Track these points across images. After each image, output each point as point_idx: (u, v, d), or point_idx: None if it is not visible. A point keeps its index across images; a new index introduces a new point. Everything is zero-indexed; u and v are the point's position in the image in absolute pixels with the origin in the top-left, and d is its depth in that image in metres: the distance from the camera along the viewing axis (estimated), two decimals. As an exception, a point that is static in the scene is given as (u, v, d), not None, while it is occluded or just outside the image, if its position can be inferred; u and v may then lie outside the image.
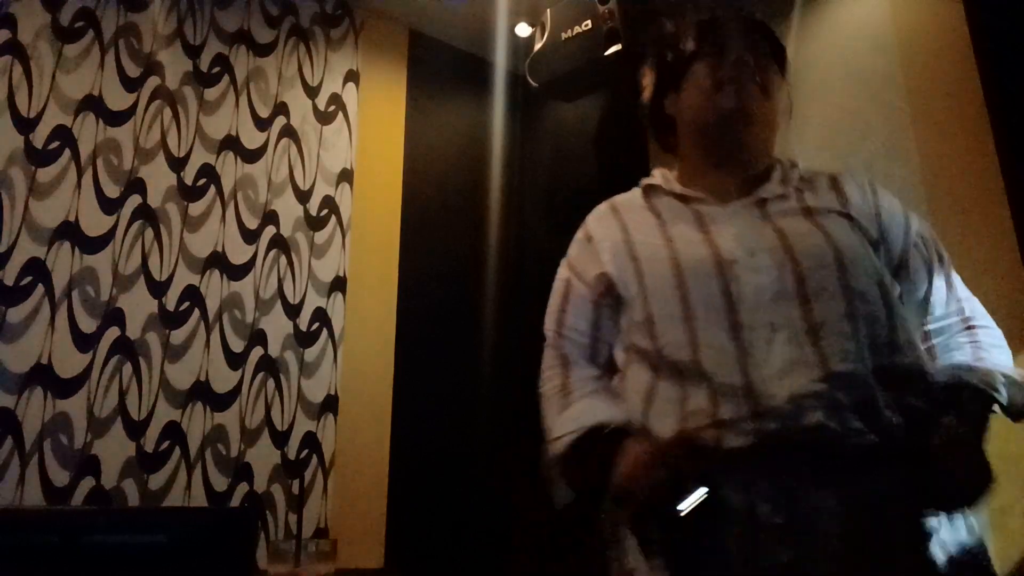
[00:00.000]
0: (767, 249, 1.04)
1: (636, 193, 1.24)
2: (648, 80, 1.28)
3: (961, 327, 1.10)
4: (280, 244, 2.34)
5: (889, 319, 1.01)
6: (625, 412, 1.07)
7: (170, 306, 2.09)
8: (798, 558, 0.91)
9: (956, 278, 1.14)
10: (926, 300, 1.11)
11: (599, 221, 1.23)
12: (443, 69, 2.90)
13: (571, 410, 1.12)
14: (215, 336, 2.15)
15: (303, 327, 2.32)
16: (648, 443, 0.99)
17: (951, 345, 1.10)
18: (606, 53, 2.36)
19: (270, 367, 2.23)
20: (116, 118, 2.11)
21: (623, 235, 1.17)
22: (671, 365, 1.03)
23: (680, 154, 1.24)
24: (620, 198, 1.25)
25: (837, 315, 0.99)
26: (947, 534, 0.96)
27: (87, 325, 1.95)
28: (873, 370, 0.96)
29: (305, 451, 2.23)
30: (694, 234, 1.10)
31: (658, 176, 1.22)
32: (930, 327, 1.11)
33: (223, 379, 2.14)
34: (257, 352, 2.22)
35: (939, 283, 1.11)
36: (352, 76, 2.64)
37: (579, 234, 1.25)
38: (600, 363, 1.18)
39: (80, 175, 2.02)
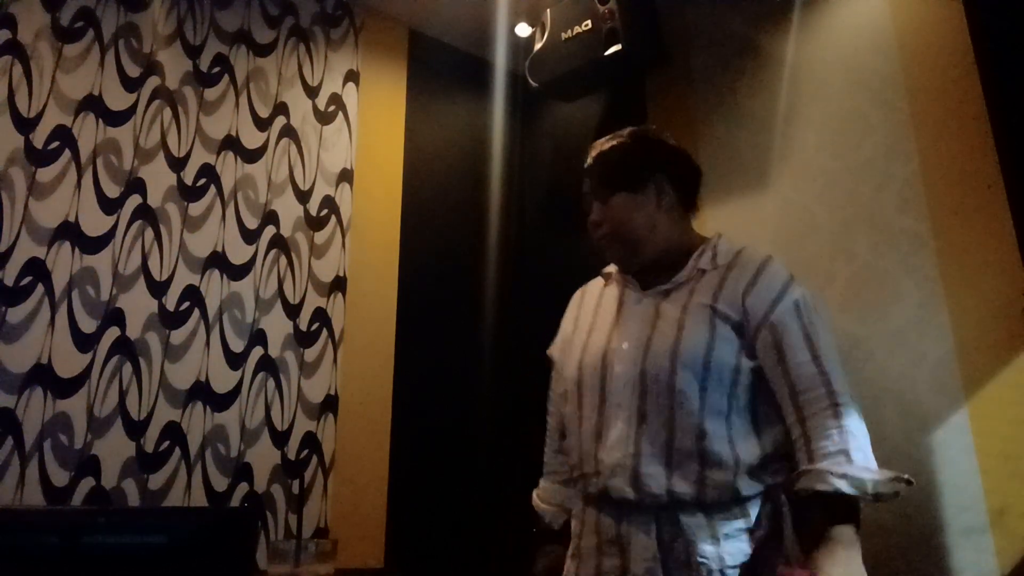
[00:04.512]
0: (635, 342, 1.30)
1: (599, 280, 1.51)
2: None
3: (828, 404, 1.20)
4: (280, 244, 2.34)
5: (700, 412, 1.23)
6: (559, 507, 1.51)
7: (170, 306, 2.09)
8: (623, 564, 1.24)
9: (827, 350, 1.25)
10: (787, 373, 1.24)
11: (569, 308, 1.54)
12: (443, 69, 2.90)
13: (542, 484, 1.57)
14: (215, 336, 2.15)
15: (303, 327, 2.32)
16: (551, 554, 1.47)
17: (820, 428, 1.20)
18: (606, 53, 2.36)
19: (270, 367, 2.23)
20: (116, 118, 2.11)
21: (572, 325, 1.48)
22: (568, 429, 1.39)
23: None
24: (589, 284, 1.54)
25: (660, 407, 1.25)
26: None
27: (87, 325, 1.95)
28: (677, 450, 1.23)
29: (305, 451, 2.24)
30: (608, 321, 1.38)
31: (612, 266, 1.48)
32: (801, 399, 1.22)
33: (223, 379, 2.14)
34: (257, 352, 2.22)
35: (802, 357, 1.24)
36: (352, 76, 2.64)
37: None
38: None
39: (80, 175, 2.02)
